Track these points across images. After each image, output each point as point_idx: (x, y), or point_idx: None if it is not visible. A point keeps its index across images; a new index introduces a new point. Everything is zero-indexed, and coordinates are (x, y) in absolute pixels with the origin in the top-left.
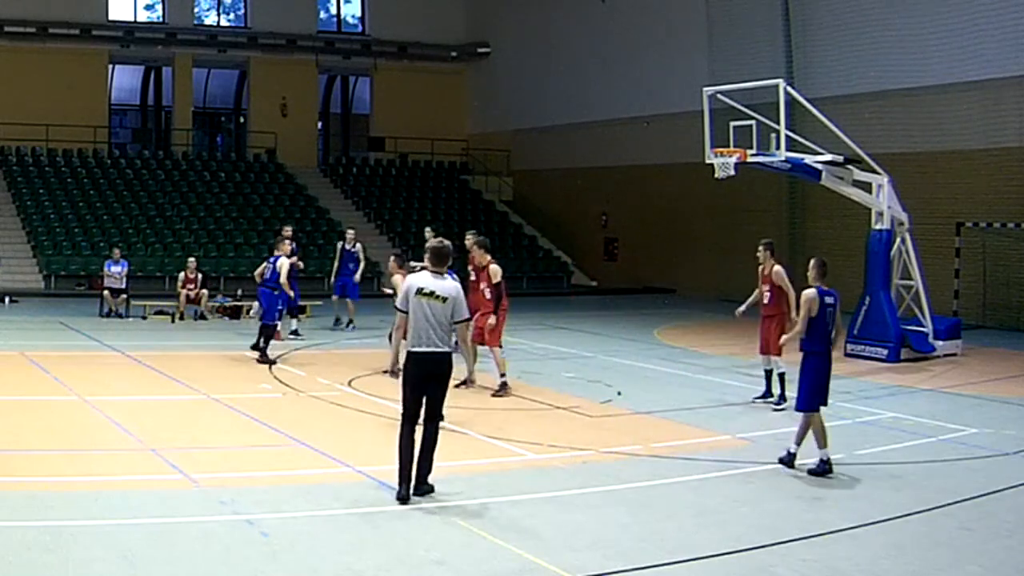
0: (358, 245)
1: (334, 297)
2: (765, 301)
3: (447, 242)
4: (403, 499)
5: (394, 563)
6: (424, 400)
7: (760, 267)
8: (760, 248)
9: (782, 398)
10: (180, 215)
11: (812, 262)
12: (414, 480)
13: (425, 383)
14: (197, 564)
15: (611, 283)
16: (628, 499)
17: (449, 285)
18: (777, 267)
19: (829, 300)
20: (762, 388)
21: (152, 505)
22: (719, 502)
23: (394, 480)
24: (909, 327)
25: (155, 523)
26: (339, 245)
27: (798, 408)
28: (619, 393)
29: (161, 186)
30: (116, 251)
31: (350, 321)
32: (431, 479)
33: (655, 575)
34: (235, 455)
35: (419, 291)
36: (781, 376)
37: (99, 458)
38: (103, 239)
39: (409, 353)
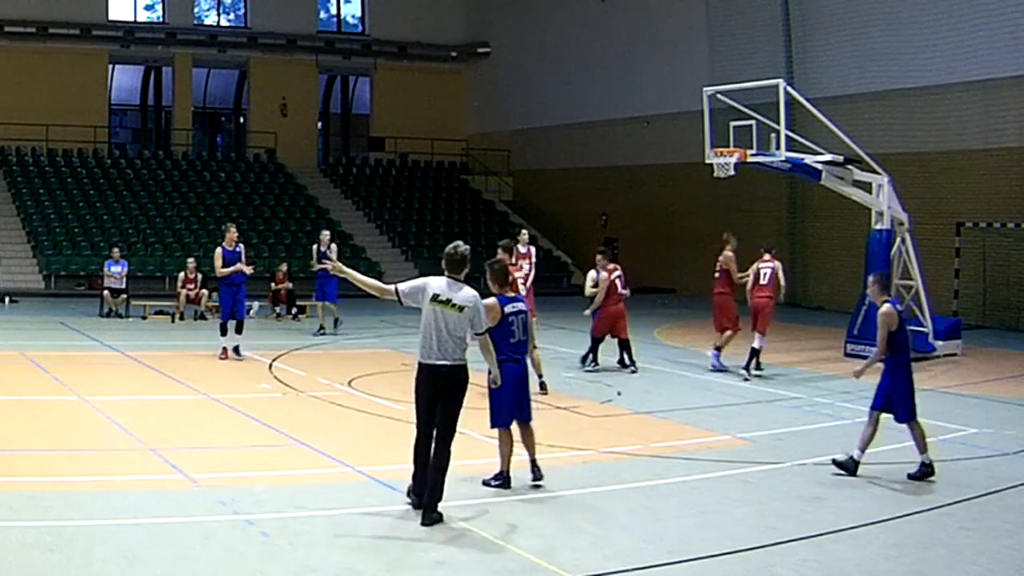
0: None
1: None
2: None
3: (462, 246)
4: (415, 506)
5: (394, 563)
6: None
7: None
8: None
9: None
10: (180, 215)
11: (871, 279)
12: (423, 506)
13: (435, 398)
14: (197, 564)
15: None
16: (628, 499)
17: (468, 294)
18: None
19: (901, 307)
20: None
21: (152, 505)
22: (719, 502)
23: (394, 479)
24: (909, 327)
25: (155, 523)
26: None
27: (901, 420)
28: (619, 393)
29: (161, 186)
30: (116, 251)
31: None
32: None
33: (655, 575)
34: (235, 455)
35: (434, 297)
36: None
37: (99, 458)
38: (103, 239)
39: (420, 364)
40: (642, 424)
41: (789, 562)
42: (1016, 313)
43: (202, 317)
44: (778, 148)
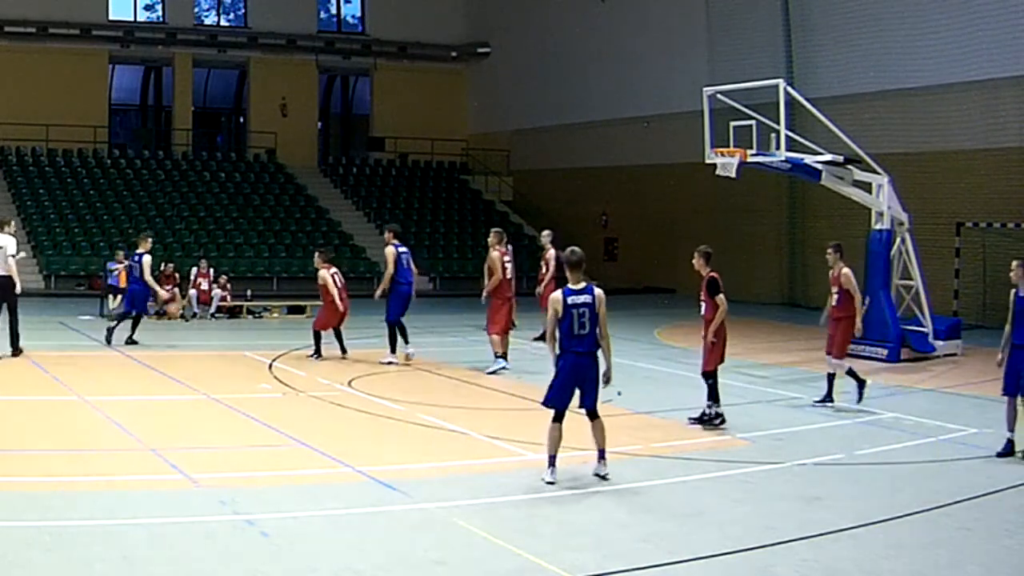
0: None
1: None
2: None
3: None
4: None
5: (394, 563)
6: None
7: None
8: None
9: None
10: (180, 215)
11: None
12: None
13: None
14: (197, 564)
15: (611, 283)
16: (628, 499)
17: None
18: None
19: None
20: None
21: (152, 505)
22: (719, 502)
23: (394, 479)
24: (909, 327)
25: (155, 523)
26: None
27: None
28: (619, 393)
29: (161, 186)
30: (120, 253)
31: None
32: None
33: (655, 575)
34: (235, 455)
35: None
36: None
37: (99, 458)
38: (103, 239)
39: None
40: (642, 424)
41: (789, 562)
42: None
43: (181, 316)
44: (778, 148)
